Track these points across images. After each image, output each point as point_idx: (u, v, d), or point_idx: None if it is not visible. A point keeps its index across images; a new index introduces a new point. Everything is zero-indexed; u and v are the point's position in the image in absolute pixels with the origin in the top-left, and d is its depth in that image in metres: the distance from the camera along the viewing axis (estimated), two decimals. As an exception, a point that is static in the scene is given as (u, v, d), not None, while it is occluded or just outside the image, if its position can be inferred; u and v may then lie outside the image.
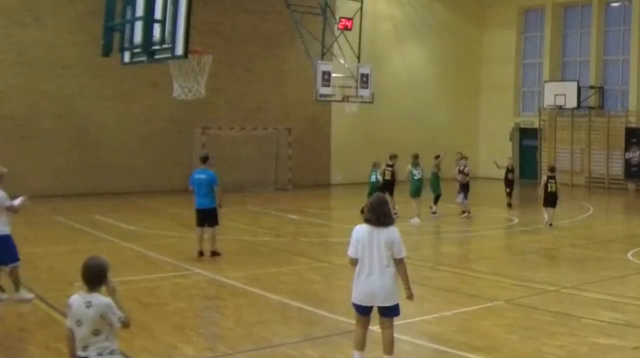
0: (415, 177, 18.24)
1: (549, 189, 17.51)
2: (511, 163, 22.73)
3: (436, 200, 18.89)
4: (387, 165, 18.71)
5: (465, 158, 20.01)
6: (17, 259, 9.55)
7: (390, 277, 6.61)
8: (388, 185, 18.28)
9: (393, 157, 18.80)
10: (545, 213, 17.64)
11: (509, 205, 21.49)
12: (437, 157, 19.22)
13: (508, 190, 21.73)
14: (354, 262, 6.68)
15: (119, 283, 10.00)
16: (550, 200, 17.51)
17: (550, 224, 17.38)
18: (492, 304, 9.71)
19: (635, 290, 10.56)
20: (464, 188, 19.14)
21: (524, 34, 33.91)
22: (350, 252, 6.70)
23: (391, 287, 6.62)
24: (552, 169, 18.30)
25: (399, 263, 6.65)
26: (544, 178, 18.10)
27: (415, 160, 18.38)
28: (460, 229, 17.60)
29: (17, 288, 9.62)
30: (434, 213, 18.84)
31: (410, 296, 6.80)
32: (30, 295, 9.66)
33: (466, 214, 18.88)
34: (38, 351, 7.49)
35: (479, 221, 18.92)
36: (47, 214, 18.86)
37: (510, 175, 21.88)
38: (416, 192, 18.10)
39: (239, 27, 27.50)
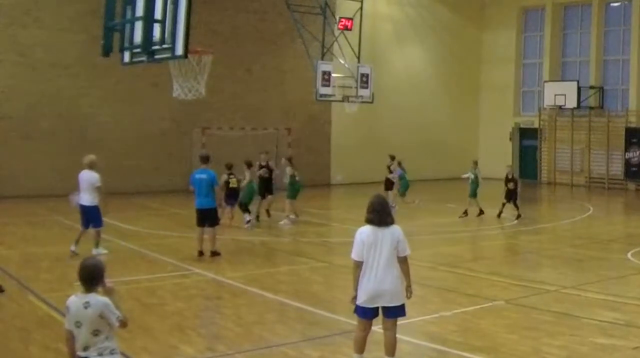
0: (289, 181, 18.36)
1: (230, 185, 16.56)
2: (511, 171, 19.93)
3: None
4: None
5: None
6: (101, 225, 12.77)
7: (396, 277, 6.62)
8: (265, 184, 18.16)
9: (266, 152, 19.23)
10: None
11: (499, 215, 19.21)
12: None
13: (505, 200, 19.00)
14: (359, 264, 6.62)
15: (119, 283, 10.07)
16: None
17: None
18: (492, 304, 9.71)
19: (635, 290, 10.56)
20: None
21: (524, 34, 33.87)
22: (355, 254, 6.65)
23: (397, 287, 6.64)
24: (229, 166, 16.83)
25: (403, 261, 6.67)
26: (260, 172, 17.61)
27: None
28: (460, 229, 17.59)
29: (96, 246, 12.64)
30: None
31: (410, 294, 6.80)
32: (105, 251, 12.57)
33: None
34: (38, 351, 7.48)
35: (479, 221, 18.89)
36: (47, 214, 18.88)
37: (510, 185, 18.98)
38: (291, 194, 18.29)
39: (239, 27, 27.50)
